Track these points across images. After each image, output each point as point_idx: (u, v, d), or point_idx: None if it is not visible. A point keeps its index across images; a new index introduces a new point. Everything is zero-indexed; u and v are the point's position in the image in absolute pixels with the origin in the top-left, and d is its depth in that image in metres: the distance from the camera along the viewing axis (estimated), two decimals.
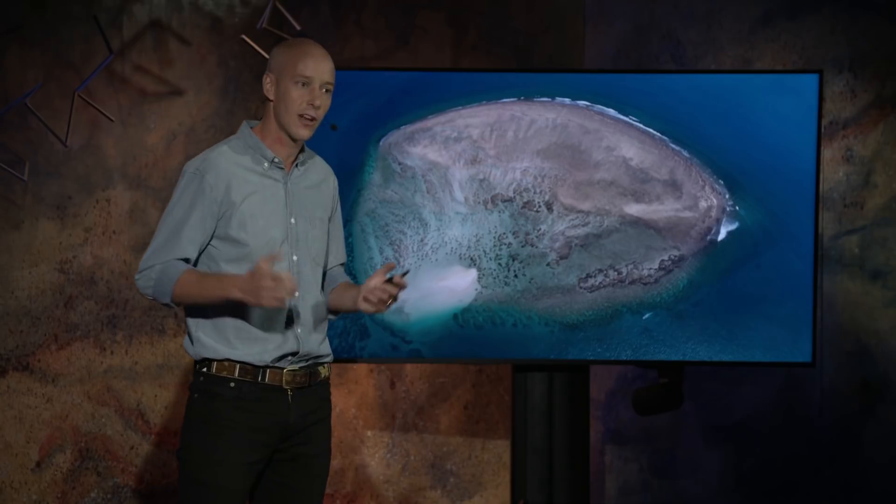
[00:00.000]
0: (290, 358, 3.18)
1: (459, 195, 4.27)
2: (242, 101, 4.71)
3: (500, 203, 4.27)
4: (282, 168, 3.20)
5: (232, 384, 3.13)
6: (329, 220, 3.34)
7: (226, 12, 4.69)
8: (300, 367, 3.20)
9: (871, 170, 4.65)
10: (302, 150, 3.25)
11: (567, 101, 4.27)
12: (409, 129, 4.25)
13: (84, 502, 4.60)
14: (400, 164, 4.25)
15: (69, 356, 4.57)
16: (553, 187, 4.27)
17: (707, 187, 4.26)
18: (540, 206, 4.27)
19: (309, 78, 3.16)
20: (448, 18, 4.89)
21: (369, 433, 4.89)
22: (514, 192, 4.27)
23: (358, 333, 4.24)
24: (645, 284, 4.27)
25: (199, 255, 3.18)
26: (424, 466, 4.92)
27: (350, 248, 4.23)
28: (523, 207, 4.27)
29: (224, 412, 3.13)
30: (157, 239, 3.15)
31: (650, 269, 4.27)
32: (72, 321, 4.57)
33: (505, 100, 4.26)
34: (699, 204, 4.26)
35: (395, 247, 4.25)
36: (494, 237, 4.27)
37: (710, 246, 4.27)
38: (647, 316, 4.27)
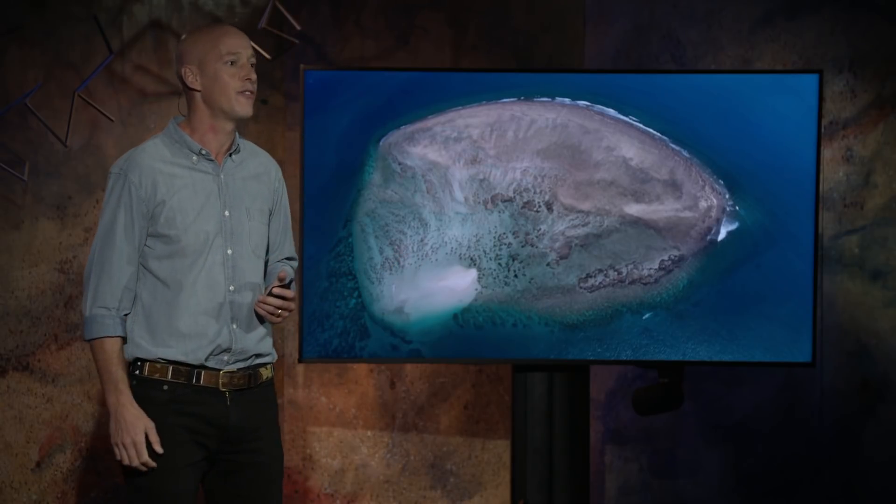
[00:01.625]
0: (224, 357, 3.12)
1: (459, 195, 4.27)
2: None
3: (500, 203, 4.27)
4: (212, 160, 3.14)
5: (165, 387, 3.08)
6: (271, 212, 3.28)
7: (226, 12, 4.69)
8: (238, 369, 3.14)
9: (871, 170, 4.65)
10: (233, 141, 3.18)
11: (567, 101, 4.27)
12: (409, 129, 4.25)
13: (84, 502, 4.60)
14: (400, 164, 4.25)
15: (69, 356, 4.57)
16: (553, 187, 4.27)
17: (707, 187, 4.26)
18: (540, 206, 4.27)
19: (237, 54, 3.11)
20: (448, 18, 4.89)
21: (369, 433, 4.89)
22: (514, 192, 4.27)
23: (358, 333, 4.24)
24: (645, 284, 4.27)
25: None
26: (424, 466, 4.92)
27: (350, 248, 4.23)
28: (523, 207, 4.27)
29: (159, 416, 3.07)
30: (94, 247, 3.12)
31: (650, 269, 4.27)
32: (72, 321, 4.57)
33: (505, 100, 4.26)
34: (699, 204, 4.26)
35: (395, 247, 4.25)
36: (494, 237, 4.27)
37: (710, 246, 4.27)
38: (647, 316, 4.27)
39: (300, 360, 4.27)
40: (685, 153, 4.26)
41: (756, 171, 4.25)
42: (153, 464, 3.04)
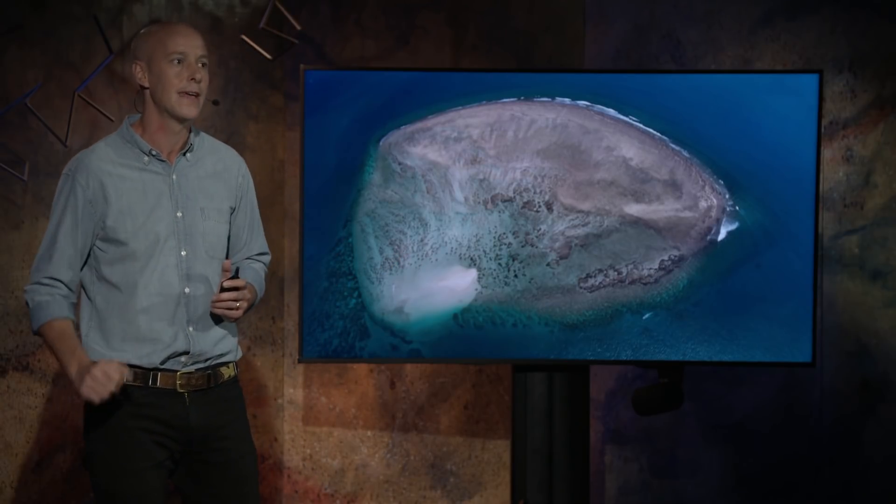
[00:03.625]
0: (181, 359, 3.08)
1: (459, 195, 4.27)
2: (242, 101, 4.70)
3: (500, 203, 4.27)
4: (163, 160, 3.10)
5: (122, 390, 3.03)
6: (233, 209, 3.22)
7: (226, 12, 4.69)
8: (196, 370, 3.10)
9: (871, 170, 4.65)
10: (188, 139, 3.14)
11: (567, 101, 4.27)
12: (409, 129, 4.25)
13: (84, 502, 4.60)
14: (400, 164, 4.25)
15: None
16: (553, 187, 4.27)
17: (707, 187, 4.26)
18: (540, 206, 4.27)
19: (183, 53, 3.06)
20: (448, 18, 4.89)
21: (369, 433, 4.89)
22: (514, 192, 4.27)
23: (358, 333, 4.24)
24: (645, 284, 4.27)
25: (87, 258, 3.09)
26: (424, 466, 4.92)
27: (350, 248, 4.23)
28: (523, 207, 4.27)
29: (118, 420, 3.04)
30: (42, 247, 3.08)
31: (650, 269, 4.27)
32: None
33: (505, 100, 4.26)
34: (699, 204, 4.26)
35: (395, 247, 4.25)
36: (494, 237, 4.27)
37: (710, 246, 4.27)
38: (647, 316, 4.27)
39: (300, 360, 4.27)
40: (685, 153, 4.26)
41: (756, 171, 4.24)
42: (124, 377, 2.95)
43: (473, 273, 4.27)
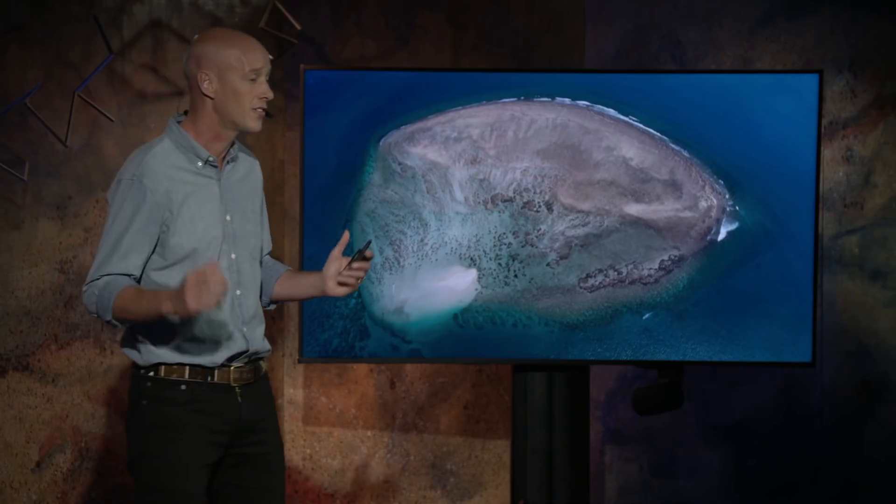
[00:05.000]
0: (239, 357, 3.14)
1: (459, 195, 4.26)
2: None
3: (500, 203, 4.27)
4: (215, 166, 3.13)
5: (183, 387, 3.07)
6: (260, 211, 3.27)
7: (226, 12, 4.69)
8: (245, 364, 3.16)
9: (871, 170, 4.65)
10: (232, 145, 3.17)
11: (567, 101, 4.27)
12: (409, 129, 4.25)
13: (84, 502, 4.60)
14: (400, 164, 4.25)
15: (69, 356, 4.57)
16: (553, 187, 4.27)
17: (707, 187, 4.26)
18: (540, 206, 4.27)
19: (259, 71, 3.08)
20: (448, 18, 4.89)
21: (369, 433, 4.89)
22: (514, 192, 4.27)
23: (358, 333, 4.24)
24: (645, 284, 4.27)
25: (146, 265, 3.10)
26: (424, 466, 4.92)
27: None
28: (523, 207, 4.27)
29: (178, 416, 3.06)
30: (100, 253, 3.05)
31: (650, 269, 4.27)
32: (72, 321, 4.57)
33: (505, 100, 4.26)
34: (699, 204, 4.26)
35: (395, 247, 4.25)
36: (494, 237, 4.27)
37: (710, 246, 4.27)
38: (647, 316, 4.27)
39: (300, 360, 4.27)
40: (685, 153, 4.26)
41: (756, 171, 4.24)
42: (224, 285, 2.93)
43: (473, 273, 4.27)
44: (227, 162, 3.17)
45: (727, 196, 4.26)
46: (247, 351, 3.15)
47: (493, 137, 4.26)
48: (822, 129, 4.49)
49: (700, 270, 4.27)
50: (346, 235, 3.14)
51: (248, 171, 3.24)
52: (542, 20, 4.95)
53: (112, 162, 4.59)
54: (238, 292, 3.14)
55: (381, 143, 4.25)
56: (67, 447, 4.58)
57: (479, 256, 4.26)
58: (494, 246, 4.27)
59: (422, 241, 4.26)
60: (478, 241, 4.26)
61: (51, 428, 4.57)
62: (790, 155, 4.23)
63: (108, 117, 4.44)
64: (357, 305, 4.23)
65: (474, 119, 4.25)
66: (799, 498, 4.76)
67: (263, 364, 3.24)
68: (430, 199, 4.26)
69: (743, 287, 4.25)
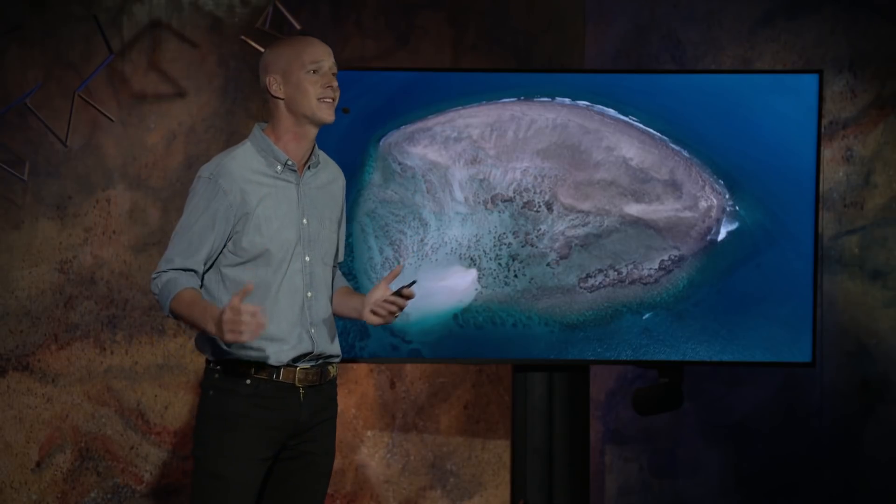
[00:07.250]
0: (305, 358, 3.22)
1: (459, 195, 4.27)
2: (242, 102, 4.71)
3: (500, 203, 4.27)
4: (294, 170, 3.23)
5: (248, 381, 3.17)
6: (339, 220, 3.38)
7: (226, 12, 4.69)
8: (312, 366, 3.24)
9: (871, 170, 4.65)
10: (313, 151, 3.28)
11: (567, 101, 4.27)
12: (409, 129, 4.25)
13: (84, 502, 4.60)
14: (400, 164, 4.26)
15: (69, 356, 4.57)
16: (553, 187, 4.27)
17: (707, 187, 4.27)
18: (540, 206, 4.27)
19: (319, 63, 3.21)
20: (448, 18, 4.89)
21: (369, 433, 4.90)
22: (514, 192, 4.27)
23: (358, 333, 4.24)
24: (645, 284, 4.27)
25: (214, 261, 3.19)
26: (424, 466, 4.92)
27: (350, 249, 4.23)
28: (523, 207, 4.27)
29: (240, 408, 3.17)
30: (170, 245, 3.18)
31: (650, 269, 4.27)
32: (72, 321, 4.57)
33: (505, 100, 4.26)
34: (699, 204, 4.26)
35: (395, 247, 4.25)
36: (494, 237, 4.27)
37: (710, 246, 4.27)
38: (647, 316, 4.27)
39: None
40: (685, 153, 4.26)
41: (756, 171, 4.25)
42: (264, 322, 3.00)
43: (473, 273, 4.27)
44: (309, 167, 3.27)
45: (727, 196, 4.26)
46: (312, 352, 3.22)
47: (493, 137, 4.26)
48: (822, 129, 4.49)
49: (700, 270, 4.27)
50: (398, 268, 3.23)
51: (330, 180, 3.35)
52: (541, 20, 4.95)
53: (112, 162, 4.59)
54: (309, 294, 3.23)
55: (381, 143, 4.25)
56: (67, 447, 4.58)
57: (479, 256, 4.27)
58: (494, 246, 4.27)
59: (422, 241, 4.26)
60: (478, 241, 4.27)
61: (51, 428, 4.57)
62: (790, 155, 4.24)
63: (108, 117, 4.44)
64: None
65: (474, 119, 4.26)
66: (799, 498, 4.76)
67: (332, 368, 3.31)
68: (430, 199, 4.26)
69: (743, 287, 4.25)
